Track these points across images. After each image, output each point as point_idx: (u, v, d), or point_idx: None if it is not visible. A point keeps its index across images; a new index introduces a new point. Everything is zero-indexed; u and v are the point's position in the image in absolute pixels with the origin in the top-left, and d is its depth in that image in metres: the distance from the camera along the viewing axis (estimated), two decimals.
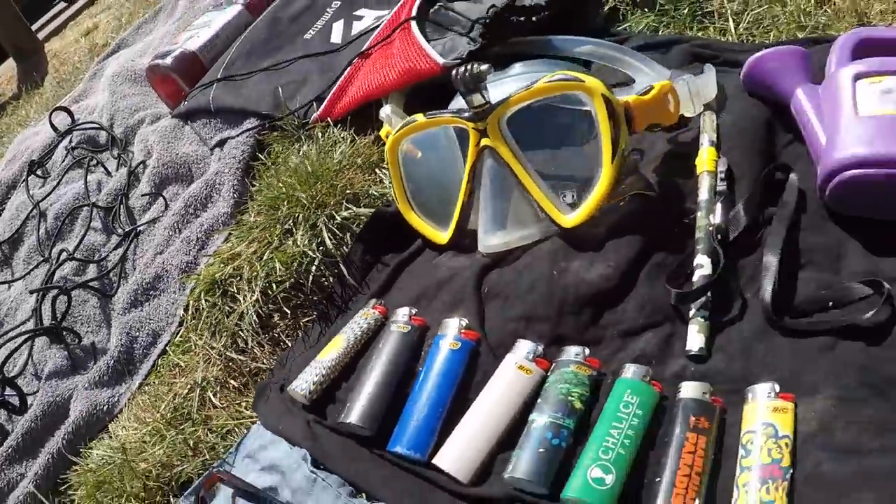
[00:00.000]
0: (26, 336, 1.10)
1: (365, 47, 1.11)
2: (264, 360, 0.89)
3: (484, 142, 0.74)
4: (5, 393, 1.07)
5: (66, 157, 1.49)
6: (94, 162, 1.42)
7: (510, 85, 0.79)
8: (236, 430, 0.84)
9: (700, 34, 0.97)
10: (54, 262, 1.20)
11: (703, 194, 0.71)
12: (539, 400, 0.64)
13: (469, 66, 0.73)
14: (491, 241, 0.75)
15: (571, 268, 0.70)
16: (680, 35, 0.96)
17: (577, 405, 0.63)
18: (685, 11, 1.00)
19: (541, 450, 0.60)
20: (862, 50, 0.77)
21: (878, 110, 0.67)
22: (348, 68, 1.10)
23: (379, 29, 1.15)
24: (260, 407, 0.80)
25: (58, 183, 1.42)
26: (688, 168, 0.75)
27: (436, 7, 1.06)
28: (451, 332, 0.71)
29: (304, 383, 0.76)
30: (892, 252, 0.65)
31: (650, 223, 0.72)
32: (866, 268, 0.64)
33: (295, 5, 1.40)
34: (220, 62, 1.32)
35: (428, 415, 0.67)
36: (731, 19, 0.95)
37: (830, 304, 0.63)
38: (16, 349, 1.09)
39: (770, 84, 0.78)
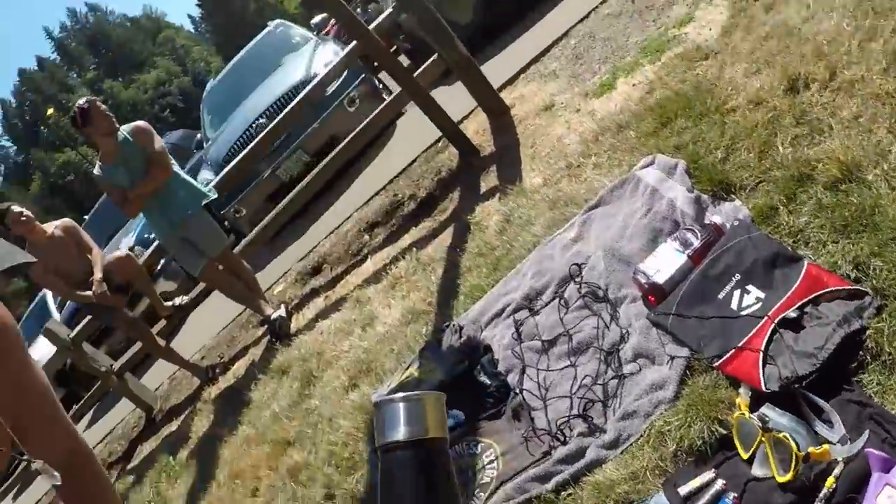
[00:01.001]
0: (571, 416, 2.67)
1: (741, 343, 2.40)
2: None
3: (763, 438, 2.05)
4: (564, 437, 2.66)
5: (577, 298, 3.02)
6: (596, 310, 2.93)
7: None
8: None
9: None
10: (578, 377, 2.74)
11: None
12: None
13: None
14: None
15: None
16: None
17: None
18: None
19: None
20: None
21: None
22: (731, 350, 2.41)
23: (758, 326, 2.43)
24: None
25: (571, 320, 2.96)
26: None
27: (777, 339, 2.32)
28: None
29: None
30: None
31: None
32: None
33: (716, 268, 2.68)
34: (673, 297, 2.69)
35: None
36: None
37: None
38: (570, 418, 2.66)
39: None
